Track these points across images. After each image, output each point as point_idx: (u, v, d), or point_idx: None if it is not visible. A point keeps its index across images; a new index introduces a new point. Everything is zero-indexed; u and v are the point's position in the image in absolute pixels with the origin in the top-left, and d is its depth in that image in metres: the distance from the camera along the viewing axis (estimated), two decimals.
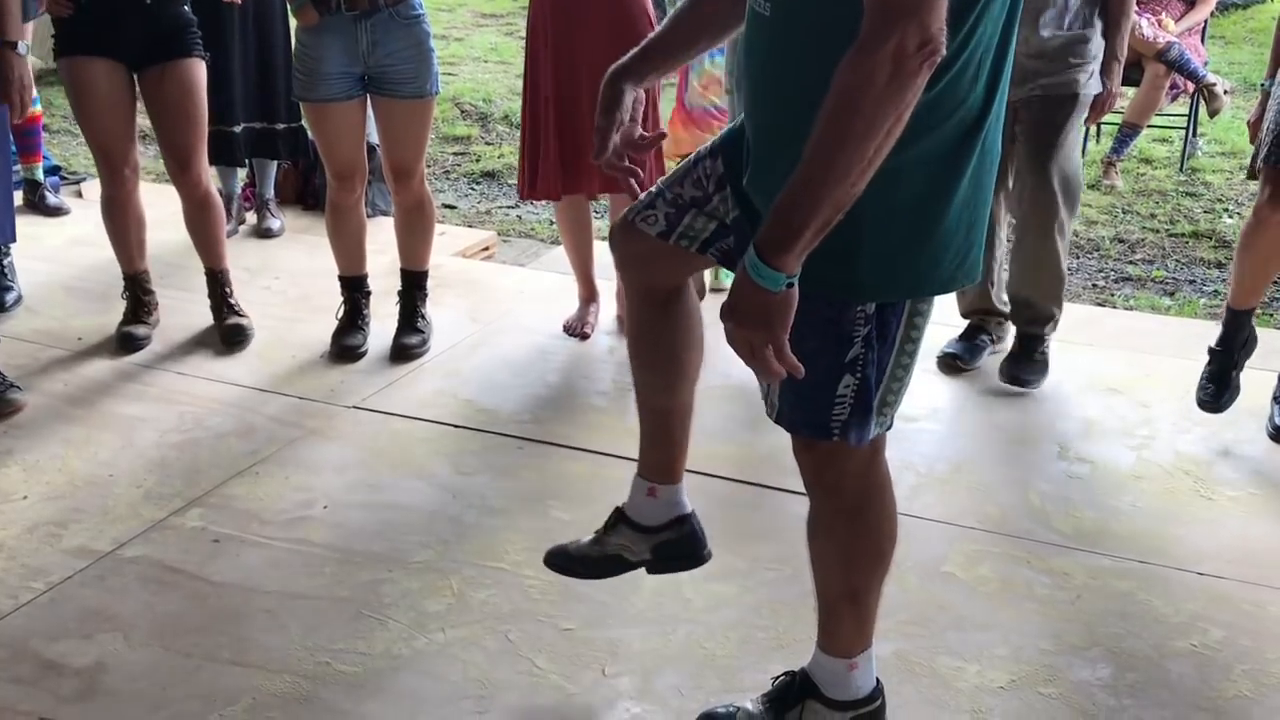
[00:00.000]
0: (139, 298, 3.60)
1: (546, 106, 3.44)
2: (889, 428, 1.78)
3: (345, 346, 3.50)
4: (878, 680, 1.99)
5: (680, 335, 2.02)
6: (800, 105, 1.48)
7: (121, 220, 3.50)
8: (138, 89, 3.37)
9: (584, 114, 3.36)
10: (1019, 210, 3.24)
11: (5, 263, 3.87)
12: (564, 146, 3.45)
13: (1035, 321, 3.30)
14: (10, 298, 3.84)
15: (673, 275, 1.98)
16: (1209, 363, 3.08)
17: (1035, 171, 3.12)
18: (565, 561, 2.19)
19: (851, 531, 1.85)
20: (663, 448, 2.10)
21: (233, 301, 3.66)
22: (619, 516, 2.15)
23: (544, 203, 5.75)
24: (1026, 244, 3.22)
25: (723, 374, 3.33)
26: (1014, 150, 3.16)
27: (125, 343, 3.52)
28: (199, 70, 3.38)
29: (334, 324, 3.56)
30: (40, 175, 4.73)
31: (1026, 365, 3.30)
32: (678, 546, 2.13)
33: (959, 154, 1.58)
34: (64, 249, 4.32)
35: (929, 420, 3.16)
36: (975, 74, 1.55)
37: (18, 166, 4.59)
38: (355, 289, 3.57)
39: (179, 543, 2.59)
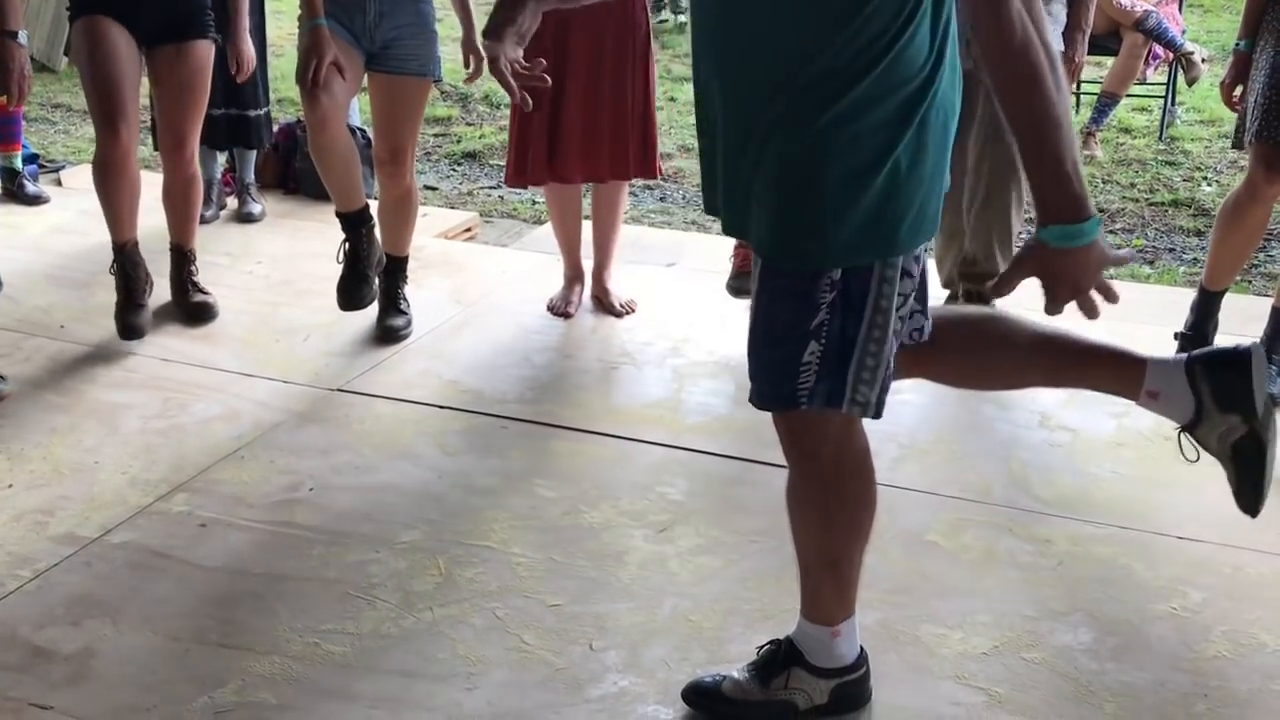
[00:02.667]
0: (129, 274, 3.50)
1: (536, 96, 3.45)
2: (876, 415, 1.78)
3: (351, 300, 3.41)
4: (861, 648, 2.02)
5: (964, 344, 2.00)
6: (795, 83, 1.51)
7: (116, 183, 3.38)
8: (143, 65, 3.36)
9: (574, 105, 3.41)
10: (976, 148, 3.22)
11: None
12: (552, 135, 3.47)
13: (980, 277, 3.29)
14: None
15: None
16: (1180, 349, 3.05)
17: (995, 123, 3.09)
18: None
19: (829, 499, 1.87)
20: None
21: (197, 280, 3.67)
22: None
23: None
24: (979, 199, 3.23)
25: (706, 350, 3.35)
26: (977, 107, 3.13)
27: (127, 332, 3.46)
28: (211, 52, 3.41)
29: (318, 307, 3.55)
30: (19, 164, 4.71)
31: None
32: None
33: (912, 116, 1.61)
34: (44, 237, 4.30)
35: (911, 392, 3.17)
36: (925, 39, 1.58)
37: None
38: (353, 226, 3.36)
39: (166, 527, 2.59)
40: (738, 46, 1.64)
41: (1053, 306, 1.60)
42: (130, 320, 3.49)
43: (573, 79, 3.38)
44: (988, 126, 3.13)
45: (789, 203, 1.63)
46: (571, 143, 3.48)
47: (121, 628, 2.27)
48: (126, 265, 3.52)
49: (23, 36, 3.11)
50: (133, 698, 2.08)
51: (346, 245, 3.37)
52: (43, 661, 2.18)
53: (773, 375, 1.74)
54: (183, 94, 3.39)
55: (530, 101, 1.86)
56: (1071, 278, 1.57)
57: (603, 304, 3.72)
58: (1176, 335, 3.10)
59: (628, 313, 3.67)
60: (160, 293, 3.71)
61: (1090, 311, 1.60)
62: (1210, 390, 1.90)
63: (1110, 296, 1.60)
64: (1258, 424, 1.89)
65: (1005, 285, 1.61)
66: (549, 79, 1.96)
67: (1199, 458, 1.96)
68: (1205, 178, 5.66)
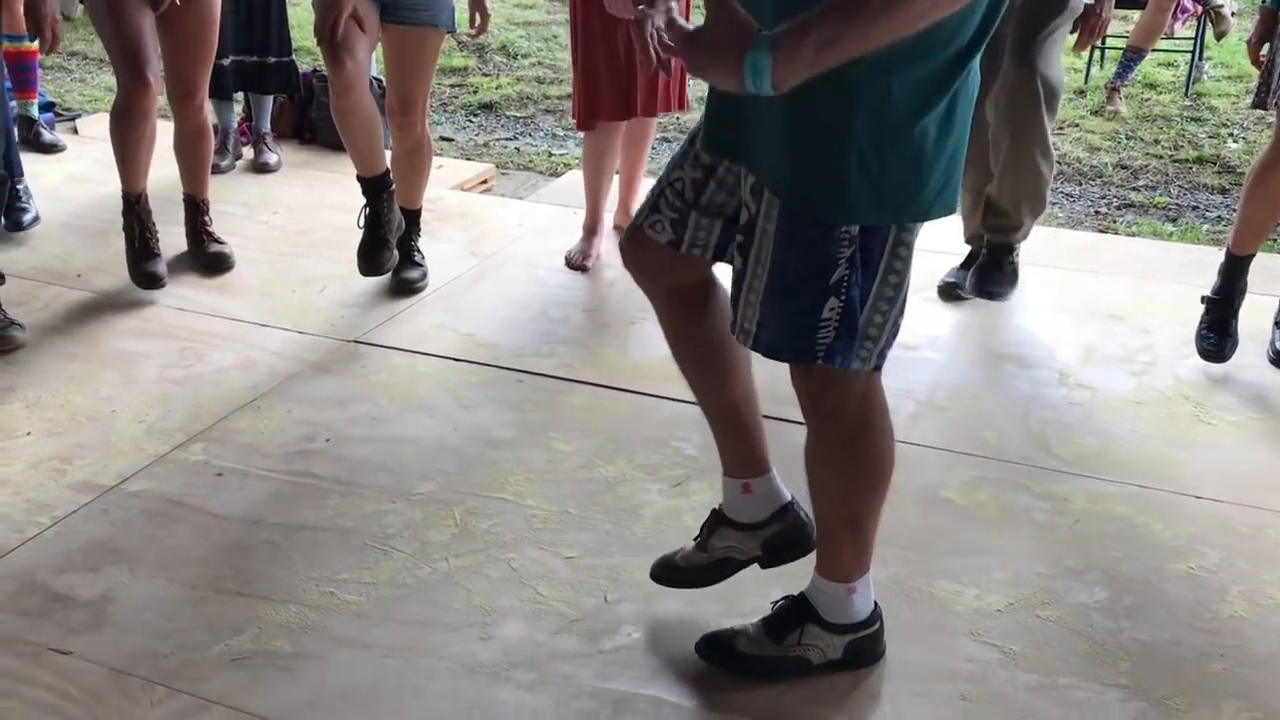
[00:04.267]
0: (144, 223, 3.48)
1: (592, 44, 3.52)
2: (876, 367, 1.77)
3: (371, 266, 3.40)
4: (875, 604, 2.01)
5: (720, 327, 1.93)
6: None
7: (136, 131, 3.35)
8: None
9: (631, 50, 3.45)
10: (999, 112, 3.15)
11: (20, 188, 3.89)
12: (618, 74, 3.52)
13: (1004, 230, 3.21)
14: (28, 218, 3.90)
15: (691, 274, 1.91)
16: (1206, 312, 3.02)
17: (1017, 66, 3.00)
18: (674, 574, 2.14)
19: (849, 457, 1.86)
20: (741, 442, 2.03)
21: (212, 229, 3.67)
22: (719, 519, 2.09)
23: (544, 135, 5.71)
24: (1003, 146, 3.12)
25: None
26: (1000, 55, 3.07)
27: (148, 281, 3.45)
28: (217, 2, 3.39)
29: (334, 257, 3.54)
30: (35, 112, 4.69)
31: (994, 275, 3.21)
32: (786, 537, 2.08)
33: (948, 81, 1.58)
34: (61, 185, 4.30)
35: (929, 349, 3.16)
36: (973, 8, 1.53)
37: (13, 102, 4.55)
38: (374, 190, 3.34)
39: (182, 476, 2.60)
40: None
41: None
42: (149, 269, 3.48)
43: (629, 30, 3.42)
44: (1012, 84, 3.06)
45: (812, 148, 1.60)
46: (635, 81, 3.54)
47: (139, 575, 2.28)
48: (140, 214, 3.51)
49: None
50: (150, 644, 2.10)
51: (367, 210, 3.36)
52: (61, 607, 2.19)
53: (789, 327, 1.71)
54: (192, 43, 3.37)
55: (660, 66, 1.77)
56: (710, 64, 1.45)
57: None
58: (1203, 299, 3.05)
59: None
60: (177, 242, 3.70)
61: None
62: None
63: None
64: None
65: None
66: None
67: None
68: (1231, 134, 5.59)
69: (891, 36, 1.39)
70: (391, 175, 3.37)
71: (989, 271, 3.23)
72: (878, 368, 1.77)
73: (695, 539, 2.13)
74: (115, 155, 3.43)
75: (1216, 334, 2.99)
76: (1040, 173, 3.12)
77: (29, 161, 4.17)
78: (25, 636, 2.12)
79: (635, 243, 1.92)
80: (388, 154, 3.43)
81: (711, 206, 1.83)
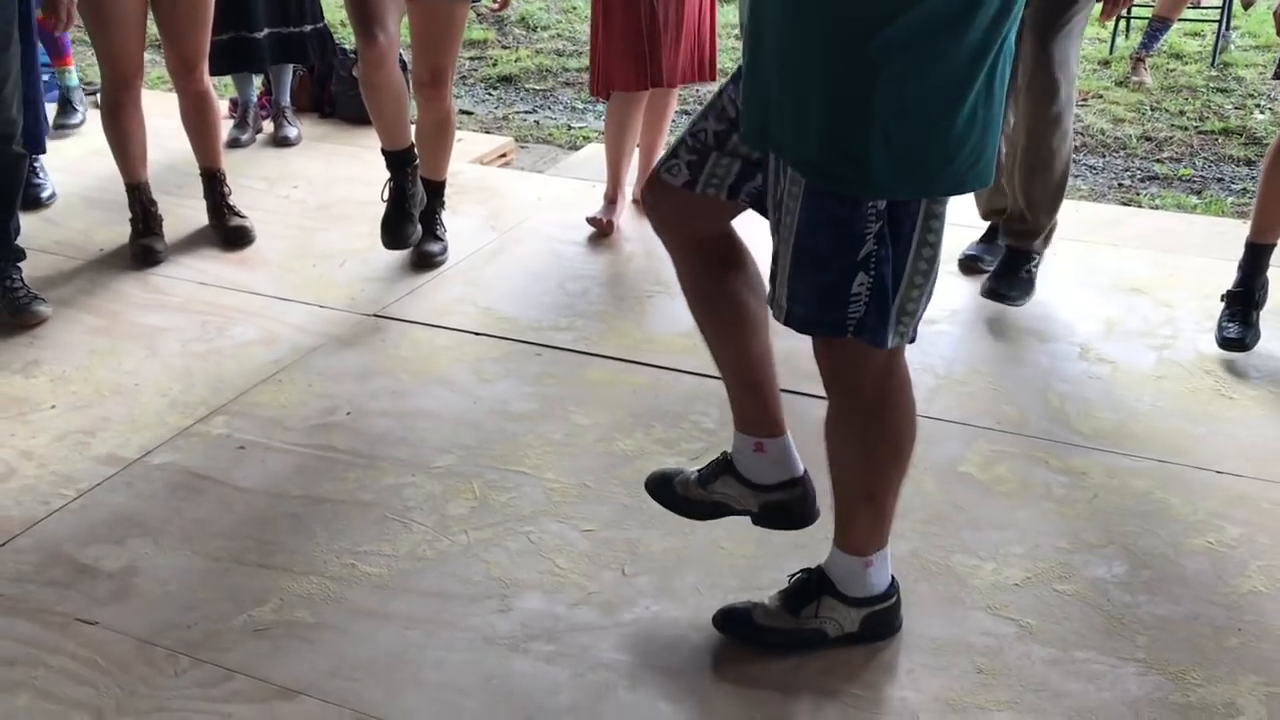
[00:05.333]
0: (147, 209, 3.59)
1: (612, 12, 3.52)
2: (912, 339, 1.77)
3: (395, 238, 3.38)
4: (893, 577, 2.02)
5: (739, 283, 1.94)
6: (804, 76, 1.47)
7: (128, 126, 3.47)
8: None
9: (654, 15, 3.48)
10: (1019, 103, 3.10)
11: (36, 165, 3.92)
12: (637, 43, 3.51)
13: (1025, 235, 3.15)
14: (45, 194, 3.94)
15: (711, 224, 1.91)
16: (1227, 305, 2.97)
17: (1036, 53, 2.95)
18: (667, 495, 2.15)
19: (870, 431, 1.86)
20: (755, 401, 2.02)
21: (231, 202, 3.69)
22: (725, 466, 2.09)
23: (564, 108, 5.70)
24: (1022, 141, 3.08)
25: None
26: (1020, 39, 3.02)
27: (145, 256, 3.53)
28: None
29: (354, 232, 3.55)
30: (74, 80, 4.70)
31: (1009, 280, 3.14)
32: (788, 509, 2.08)
33: (978, 54, 1.56)
34: (83, 160, 4.32)
35: (948, 322, 3.15)
36: None
37: (50, 73, 4.57)
38: (399, 164, 3.33)
39: (205, 449, 2.63)
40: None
41: None
42: (145, 244, 3.55)
43: None
44: (1030, 72, 3.01)
45: (834, 125, 1.59)
46: (657, 49, 3.52)
47: (163, 547, 2.31)
48: (143, 199, 3.59)
49: None
50: (174, 615, 2.13)
51: (391, 183, 3.35)
52: (87, 578, 2.22)
53: (820, 300, 1.71)
54: (191, 17, 3.38)
55: None
56: None
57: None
58: (1223, 296, 2.99)
59: None
60: (197, 216, 3.73)
61: None
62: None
63: None
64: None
65: None
66: None
67: None
68: (1258, 105, 5.52)
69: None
70: (415, 150, 3.37)
71: (1004, 276, 3.16)
72: (912, 340, 1.77)
73: (699, 471, 2.13)
74: (111, 149, 3.51)
75: (1239, 324, 2.94)
76: (1054, 170, 3.07)
77: (52, 136, 4.19)
78: (52, 607, 2.15)
79: (653, 190, 1.92)
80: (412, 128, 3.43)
81: (735, 151, 1.83)
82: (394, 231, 3.37)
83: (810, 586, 2.00)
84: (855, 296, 1.68)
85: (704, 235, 1.92)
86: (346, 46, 4.77)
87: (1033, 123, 3.02)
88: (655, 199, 1.93)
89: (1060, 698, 1.92)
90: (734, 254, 1.94)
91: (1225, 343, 2.93)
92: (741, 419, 2.06)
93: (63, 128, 4.59)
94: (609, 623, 2.10)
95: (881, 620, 2.02)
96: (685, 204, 1.88)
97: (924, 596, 2.14)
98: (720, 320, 1.98)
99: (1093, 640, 2.04)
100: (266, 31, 4.24)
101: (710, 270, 1.95)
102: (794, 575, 2.05)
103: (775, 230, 1.75)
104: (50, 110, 4.59)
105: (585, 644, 2.05)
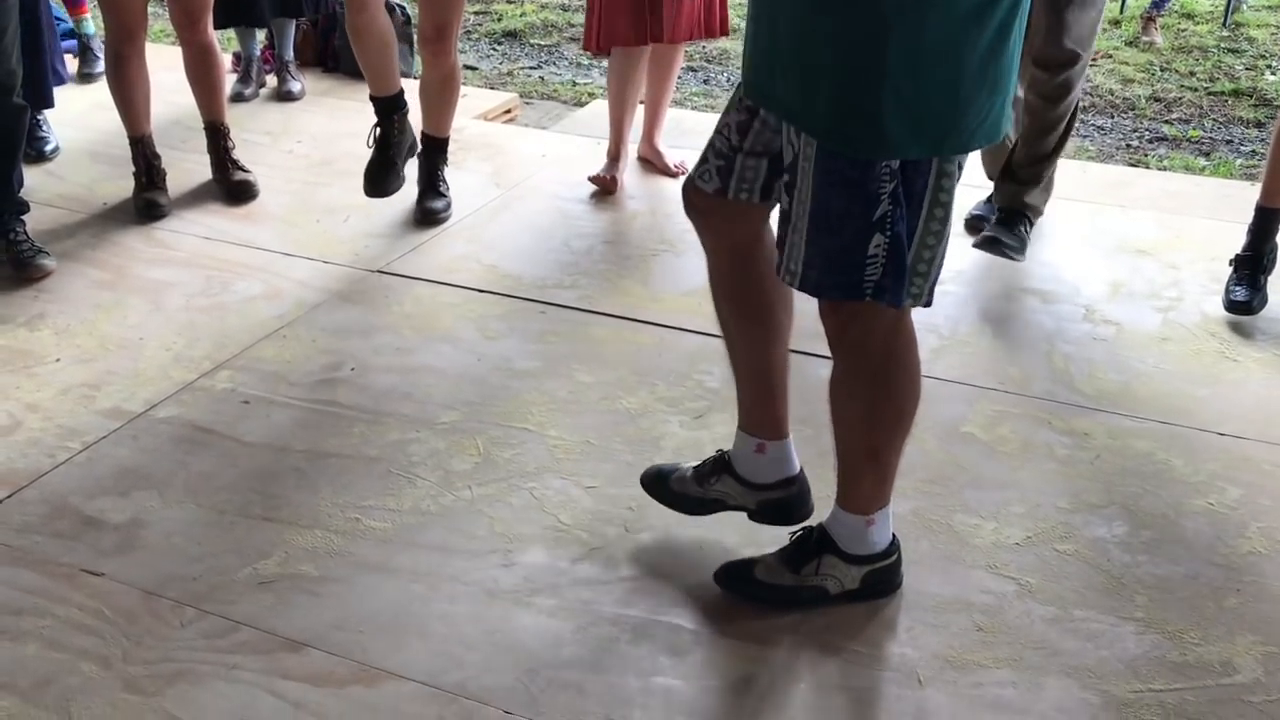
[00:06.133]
0: (150, 163, 3.59)
1: None
2: (927, 303, 1.77)
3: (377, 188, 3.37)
4: (894, 536, 2.03)
5: (767, 287, 1.94)
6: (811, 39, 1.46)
7: (133, 79, 3.46)
8: None
9: None
10: (1027, 78, 3.07)
11: (40, 119, 3.92)
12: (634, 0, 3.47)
13: (1020, 194, 3.14)
14: (49, 148, 3.93)
15: (748, 228, 1.91)
16: (1235, 269, 2.96)
17: (1050, 22, 2.95)
18: (662, 491, 2.18)
19: (875, 390, 1.86)
20: (765, 404, 2.05)
21: (235, 157, 3.68)
22: (724, 465, 2.11)
23: (569, 64, 5.66)
24: (1031, 103, 3.07)
25: None
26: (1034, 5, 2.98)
27: (148, 210, 3.53)
28: None
29: (358, 187, 3.53)
30: (91, 28, 4.67)
31: (1006, 234, 3.13)
32: (784, 506, 2.11)
33: (986, 12, 1.55)
34: (87, 114, 4.30)
35: (953, 283, 3.14)
36: None
37: (64, 24, 4.55)
38: (385, 111, 3.32)
39: (209, 404, 2.64)
40: None
41: None
42: (149, 197, 3.54)
43: None
44: (1039, 51, 2.98)
45: (846, 85, 1.59)
46: (670, 1, 3.47)
47: (168, 500, 2.32)
48: (146, 153, 3.58)
49: None
50: (180, 567, 2.14)
51: (377, 130, 3.34)
52: (93, 530, 2.24)
53: (836, 264, 1.70)
54: None
55: None
56: None
57: (654, 165, 3.76)
58: (1231, 261, 2.98)
59: (680, 173, 3.71)
60: (201, 170, 3.71)
61: None
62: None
63: None
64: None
65: None
66: None
67: None
68: (1270, 66, 5.48)
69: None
70: (404, 97, 3.34)
71: (1001, 229, 3.16)
72: (928, 303, 1.77)
73: (696, 468, 2.16)
74: (115, 103, 3.51)
75: (1246, 287, 2.93)
76: (1059, 130, 3.05)
77: (57, 89, 4.18)
78: (58, 558, 2.17)
79: (689, 196, 1.95)
80: (412, 85, 3.41)
81: (757, 147, 1.83)
82: (376, 180, 3.36)
83: (811, 543, 2.02)
84: (872, 258, 1.68)
85: (740, 239, 1.93)
86: None
87: (1042, 90, 3.00)
88: (692, 204, 1.95)
89: (1059, 655, 1.94)
90: (768, 259, 1.92)
91: (1232, 305, 2.92)
92: (748, 419, 2.07)
93: (87, 76, 4.59)
94: (611, 577, 2.11)
95: (882, 578, 2.03)
96: (721, 209, 1.90)
97: (925, 555, 2.15)
98: (747, 324, 2.01)
99: (1092, 599, 2.06)
100: None
101: (745, 273, 1.96)
102: (795, 533, 2.06)
103: (788, 192, 1.74)
104: (71, 62, 4.59)
105: (588, 598, 2.07)
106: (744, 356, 2.04)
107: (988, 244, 3.11)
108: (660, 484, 2.19)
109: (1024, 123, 3.10)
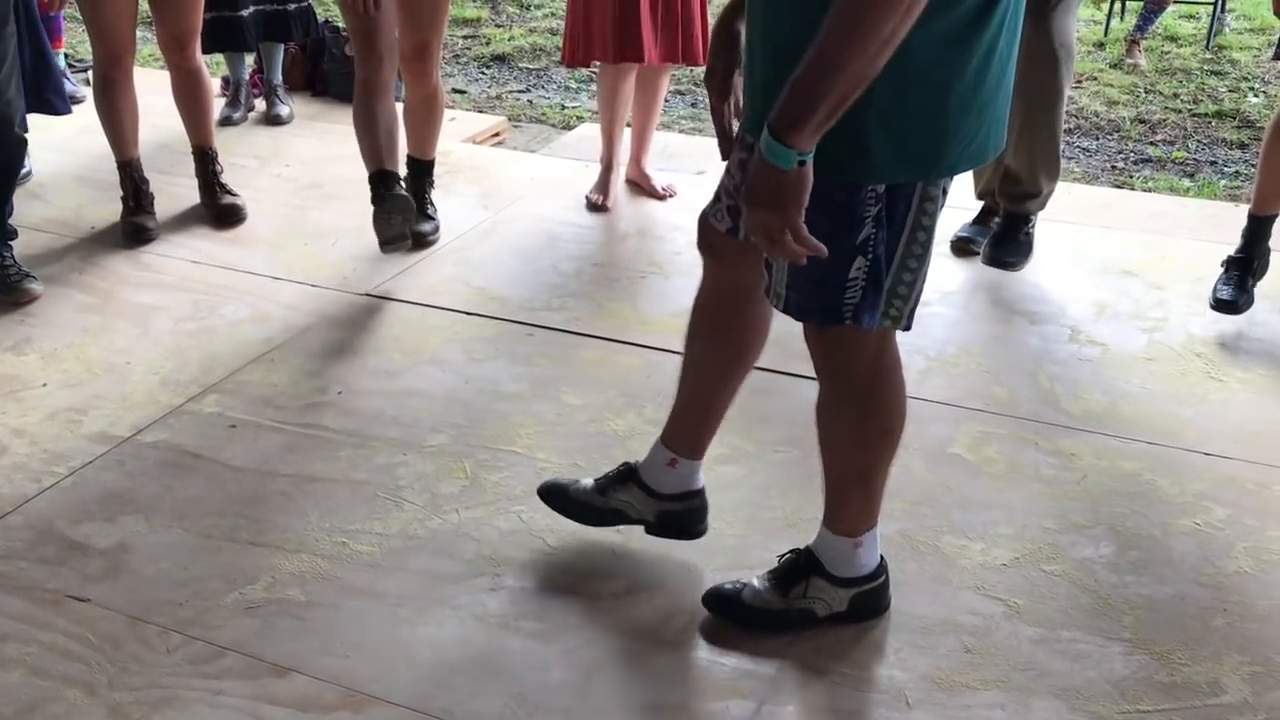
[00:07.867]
0: (138, 187, 3.58)
1: None
2: (906, 327, 1.77)
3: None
4: (881, 558, 2.03)
5: (751, 329, 2.01)
6: (789, 57, 1.48)
7: (120, 103, 3.46)
8: None
9: None
10: (1020, 87, 3.09)
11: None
12: (625, 13, 3.49)
13: (1021, 198, 3.19)
14: (23, 172, 3.87)
15: (750, 272, 1.92)
16: (1226, 269, 3.00)
17: (1034, 26, 2.97)
18: (561, 501, 2.22)
19: (861, 413, 1.87)
20: (700, 427, 2.12)
21: (223, 180, 3.68)
22: (630, 474, 2.16)
23: (557, 87, 5.68)
24: (1021, 111, 3.09)
25: None
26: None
27: (136, 234, 3.52)
28: None
29: (346, 210, 3.54)
30: (61, 63, 4.67)
31: (1009, 246, 3.20)
32: (682, 519, 2.16)
33: (971, 34, 1.56)
34: (74, 138, 4.30)
35: (940, 304, 3.15)
36: None
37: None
38: (383, 185, 3.15)
39: (196, 428, 2.63)
40: (774, 28, 1.60)
41: (747, 221, 1.55)
42: (136, 221, 3.54)
43: None
44: (1029, 46, 3.00)
45: None
46: (644, 22, 3.50)
47: (154, 524, 2.31)
48: (134, 177, 3.58)
49: None
50: (166, 592, 2.13)
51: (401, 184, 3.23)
52: (79, 555, 2.23)
53: (817, 289, 1.71)
54: None
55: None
56: (759, 193, 1.50)
57: (642, 188, 3.79)
58: (1223, 262, 3.02)
59: (668, 195, 3.73)
60: (188, 194, 3.71)
61: (779, 250, 1.53)
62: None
63: (817, 253, 1.53)
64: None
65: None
66: None
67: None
68: (1252, 88, 5.52)
69: (867, 63, 1.41)
70: (399, 175, 3.22)
71: (1003, 241, 3.22)
72: (907, 327, 1.78)
73: (597, 480, 2.19)
74: (103, 127, 3.51)
75: (1234, 287, 2.97)
76: (1056, 138, 3.09)
77: (42, 115, 4.18)
78: (44, 584, 2.15)
79: (704, 232, 1.97)
80: (400, 105, 3.42)
81: None
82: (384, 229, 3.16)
83: (799, 566, 2.01)
84: (852, 282, 1.68)
85: (743, 282, 1.95)
86: (337, 25, 4.75)
87: (1031, 92, 3.01)
88: (705, 240, 1.98)
89: (1047, 676, 1.94)
90: (763, 303, 1.93)
91: (1218, 304, 2.96)
92: (673, 433, 2.13)
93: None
94: (599, 602, 2.11)
95: (870, 600, 2.03)
96: (730, 248, 1.92)
97: (912, 576, 2.15)
98: (718, 352, 2.05)
99: (1080, 620, 2.06)
100: (252, 9, 4.23)
101: (738, 313, 2.00)
102: (783, 555, 2.06)
103: None
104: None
105: (575, 623, 2.06)
106: (701, 384, 2.09)
107: (993, 263, 3.19)
108: (559, 495, 2.22)
109: (1019, 138, 3.12)
